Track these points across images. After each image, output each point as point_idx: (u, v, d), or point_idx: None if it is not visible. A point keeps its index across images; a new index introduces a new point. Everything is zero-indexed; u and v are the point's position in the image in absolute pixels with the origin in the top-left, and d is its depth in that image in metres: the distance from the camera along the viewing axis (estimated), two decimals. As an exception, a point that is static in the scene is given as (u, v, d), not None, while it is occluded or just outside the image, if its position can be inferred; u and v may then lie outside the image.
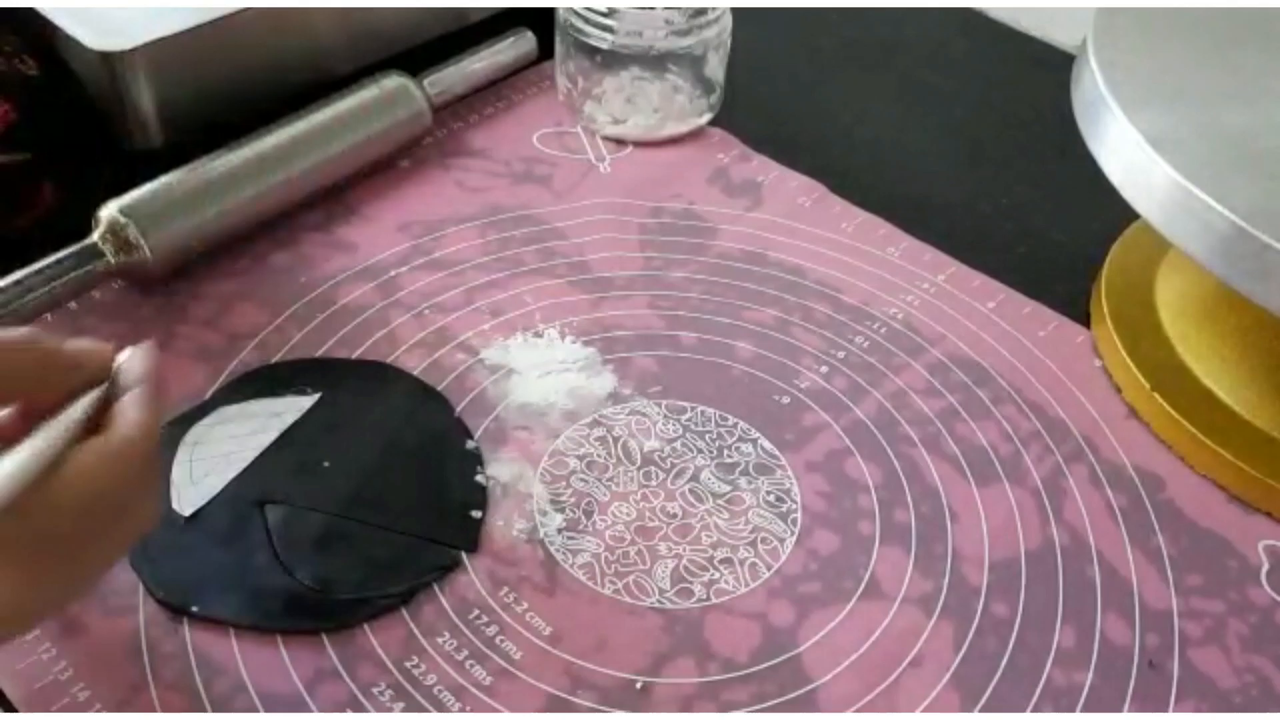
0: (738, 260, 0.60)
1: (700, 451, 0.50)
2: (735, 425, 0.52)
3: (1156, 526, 0.49)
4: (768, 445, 0.51)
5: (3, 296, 0.50)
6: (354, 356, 0.53)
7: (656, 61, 0.66)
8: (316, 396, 0.50)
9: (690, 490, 0.49)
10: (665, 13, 0.64)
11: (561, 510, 0.48)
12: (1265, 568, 0.48)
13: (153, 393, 0.37)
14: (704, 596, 0.45)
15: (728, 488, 0.49)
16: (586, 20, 0.64)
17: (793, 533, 0.48)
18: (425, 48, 0.66)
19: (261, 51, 0.60)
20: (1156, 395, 0.52)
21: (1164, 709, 0.43)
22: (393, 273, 0.57)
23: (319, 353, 0.53)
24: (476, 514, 0.47)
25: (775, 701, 0.42)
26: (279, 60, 0.61)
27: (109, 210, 0.53)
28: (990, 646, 0.44)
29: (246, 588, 0.44)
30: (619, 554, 0.46)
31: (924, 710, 0.42)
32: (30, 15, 0.57)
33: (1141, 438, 0.52)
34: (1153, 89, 0.51)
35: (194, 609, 0.43)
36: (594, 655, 0.43)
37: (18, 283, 0.50)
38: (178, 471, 0.47)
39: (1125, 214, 0.51)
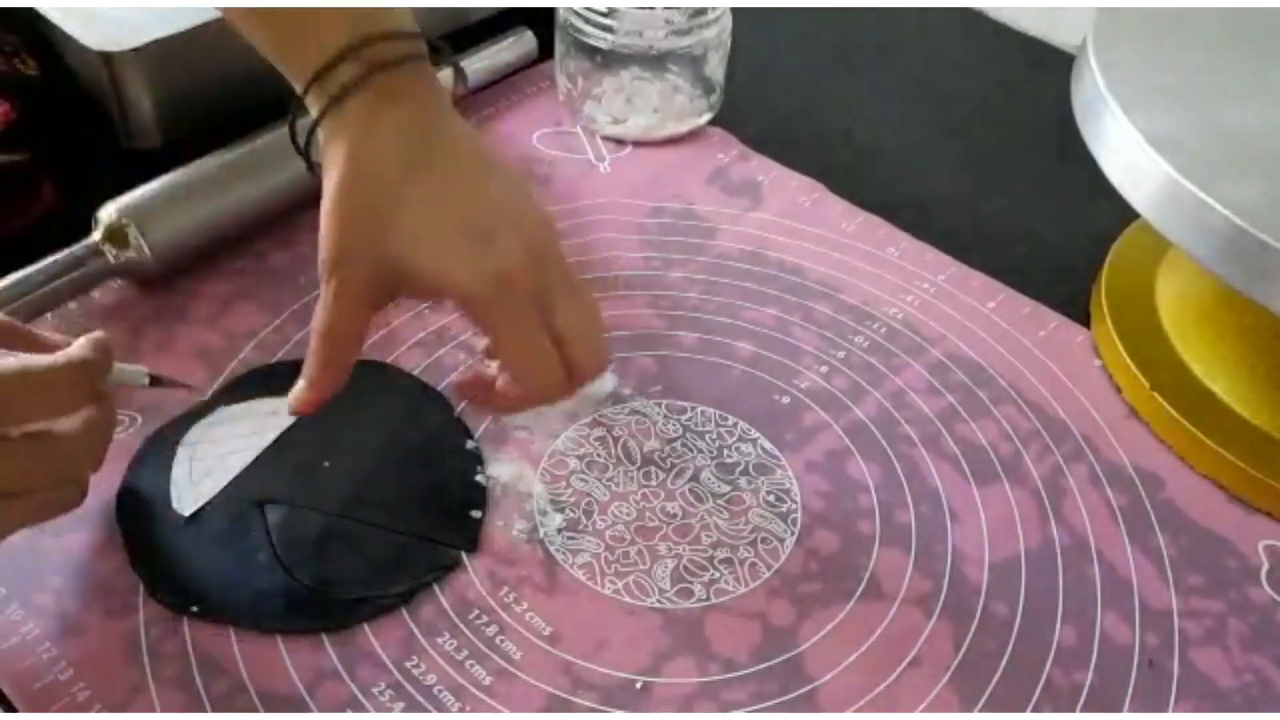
0: (737, 260, 0.60)
1: (700, 451, 0.50)
2: (735, 425, 0.52)
3: (1156, 526, 0.49)
4: (768, 445, 0.51)
5: (3, 296, 0.50)
6: (354, 356, 0.53)
7: (656, 61, 0.66)
8: (316, 396, 0.50)
9: (690, 490, 0.49)
10: (665, 13, 0.64)
11: (561, 510, 0.48)
12: (1265, 568, 0.48)
13: (97, 346, 0.40)
14: (704, 596, 0.45)
15: (728, 488, 0.49)
16: (586, 20, 0.64)
17: (793, 533, 0.48)
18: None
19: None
20: (1156, 395, 0.52)
21: (1164, 709, 0.43)
22: (393, 273, 0.57)
23: (319, 353, 0.53)
24: (476, 514, 0.47)
25: (775, 701, 0.42)
26: (279, 60, 0.61)
27: (109, 210, 0.53)
28: (990, 646, 0.44)
29: (246, 588, 0.44)
30: (619, 554, 0.46)
31: (924, 710, 0.42)
32: (30, 15, 0.57)
33: (1141, 438, 0.52)
34: (1153, 89, 0.51)
35: (194, 609, 0.43)
36: (594, 655, 0.43)
37: (18, 283, 0.50)
38: (178, 471, 0.47)
39: (1125, 214, 0.51)
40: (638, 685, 0.42)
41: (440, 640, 0.43)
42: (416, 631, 0.43)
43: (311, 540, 0.45)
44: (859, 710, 0.42)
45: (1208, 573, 0.47)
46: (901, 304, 0.58)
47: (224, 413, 0.50)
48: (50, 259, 0.52)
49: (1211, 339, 0.55)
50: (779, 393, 0.53)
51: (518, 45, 0.69)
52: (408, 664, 0.42)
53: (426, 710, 0.41)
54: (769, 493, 0.49)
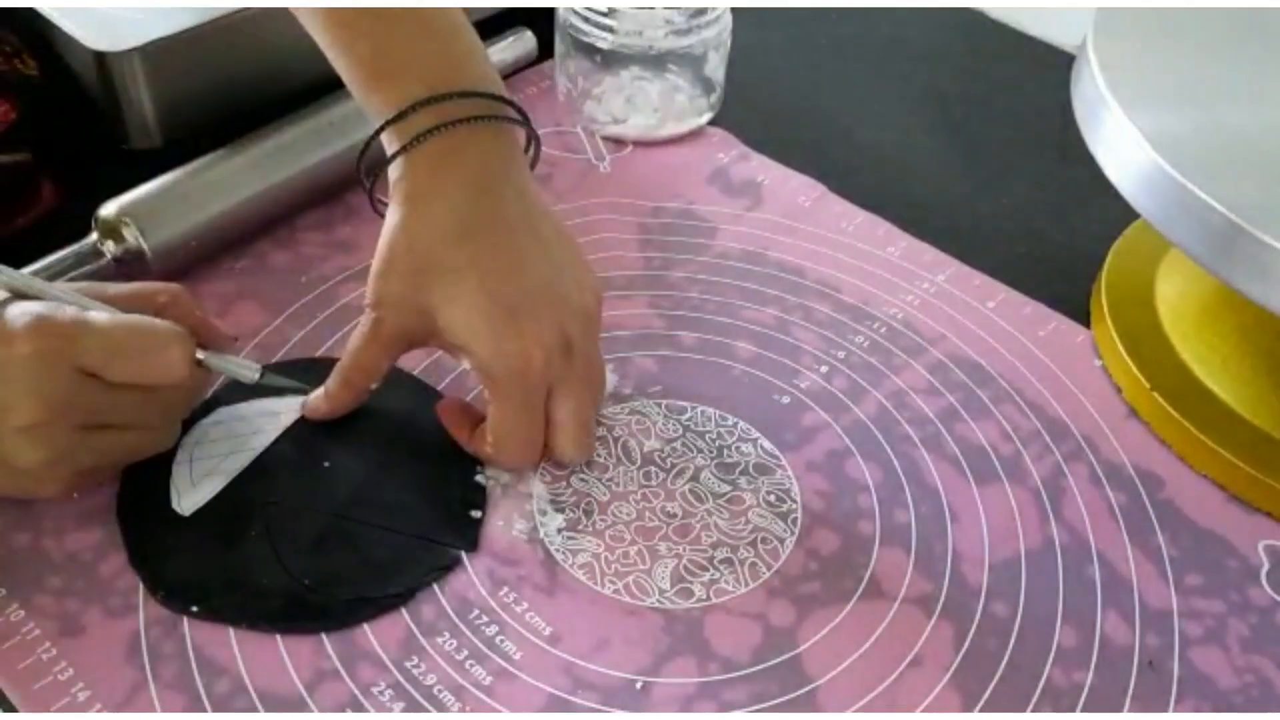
0: (738, 260, 0.60)
1: (700, 451, 0.50)
2: (735, 425, 0.52)
3: (1156, 526, 0.49)
4: (768, 445, 0.51)
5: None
6: (354, 356, 0.53)
7: (656, 61, 0.66)
8: (316, 396, 0.50)
9: (690, 490, 0.49)
10: (665, 12, 0.64)
11: (561, 510, 0.48)
12: (1265, 568, 0.48)
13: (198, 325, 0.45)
14: (704, 596, 0.45)
15: (728, 488, 0.49)
16: (586, 20, 0.64)
17: (793, 533, 0.48)
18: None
19: (261, 51, 0.60)
20: (1156, 395, 0.52)
21: (1164, 709, 0.43)
22: (393, 273, 0.57)
23: (319, 353, 0.53)
24: (476, 514, 0.47)
25: (775, 701, 0.42)
26: (279, 60, 0.61)
27: (109, 210, 0.53)
28: (990, 646, 0.44)
29: (246, 588, 0.44)
30: (619, 554, 0.46)
31: (924, 710, 0.42)
32: (30, 15, 0.57)
33: (1141, 438, 0.52)
34: (1153, 89, 0.51)
35: (194, 609, 0.43)
36: (594, 655, 0.43)
37: (17, 283, 0.50)
38: (178, 471, 0.47)
39: (1125, 214, 0.51)
40: (638, 685, 0.42)
41: (440, 640, 0.43)
42: (416, 631, 0.43)
43: (311, 540, 0.45)
44: (859, 710, 0.42)
45: (1208, 573, 0.47)
46: (901, 304, 0.58)
47: (224, 413, 0.50)
48: (50, 259, 0.52)
49: (1211, 339, 0.55)
50: (779, 393, 0.53)
51: (518, 45, 0.69)
52: (408, 664, 0.42)
53: (426, 710, 0.41)
54: (769, 493, 0.49)
